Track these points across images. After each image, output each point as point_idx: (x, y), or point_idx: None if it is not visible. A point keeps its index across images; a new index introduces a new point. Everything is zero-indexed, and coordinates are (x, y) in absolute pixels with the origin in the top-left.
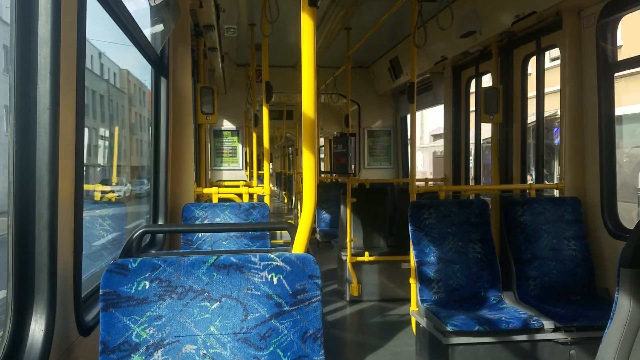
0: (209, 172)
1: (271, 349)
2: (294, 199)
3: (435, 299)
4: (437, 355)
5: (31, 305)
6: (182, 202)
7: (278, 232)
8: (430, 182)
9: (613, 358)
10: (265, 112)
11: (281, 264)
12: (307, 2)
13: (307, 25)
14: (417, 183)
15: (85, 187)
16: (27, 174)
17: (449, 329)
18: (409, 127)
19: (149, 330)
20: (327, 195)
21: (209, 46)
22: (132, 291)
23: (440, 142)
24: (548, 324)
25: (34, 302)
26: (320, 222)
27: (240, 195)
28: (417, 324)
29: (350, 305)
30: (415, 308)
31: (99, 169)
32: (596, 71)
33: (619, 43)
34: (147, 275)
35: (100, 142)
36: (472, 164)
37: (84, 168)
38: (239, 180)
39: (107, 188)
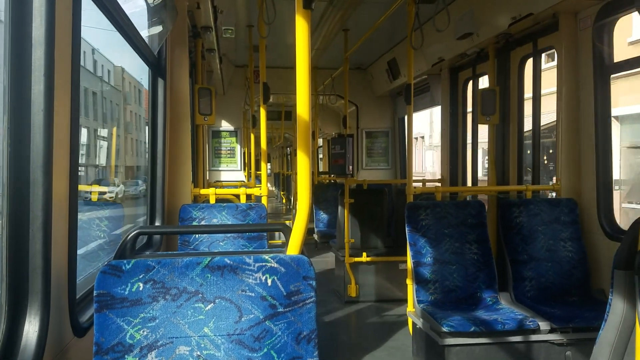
0: (207, 172)
1: (265, 350)
2: (292, 199)
3: (432, 299)
4: (433, 355)
5: (25, 307)
6: (179, 202)
7: (276, 232)
8: (427, 183)
9: (607, 359)
10: (262, 113)
11: (275, 265)
12: (302, 4)
13: (301, 27)
14: (414, 184)
15: None
16: (21, 176)
17: (445, 329)
18: (406, 128)
19: (143, 331)
20: (325, 196)
21: (206, 47)
22: (126, 292)
23: None
24: (544, 325)
25: (28, 303)
26: (318, 223)
27: (237, 196)
28: (414, 324)
29: (348, 305)
30: (412, 309)
31: (90, 169)
32: (592, 73)
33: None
34: (141, 276)
35: (91, 141)
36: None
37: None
38: (237, 181)
39: (98, 189)
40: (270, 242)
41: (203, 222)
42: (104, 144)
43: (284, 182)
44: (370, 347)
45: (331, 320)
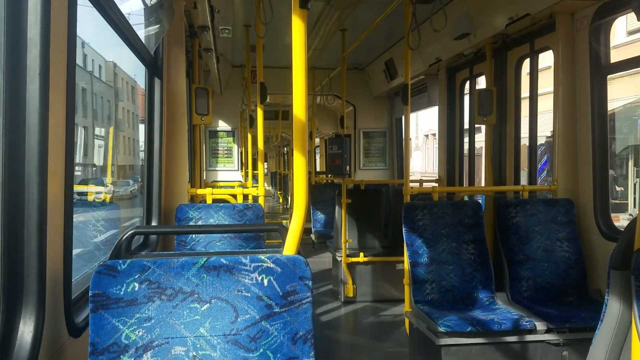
0: (204, 172)
1: (261, 350)
2: (289, 198)
3: (429, 299)
4: (430, 356)
5: (20, 307)
6: (176, 202)
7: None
8: (424, 183)
9: (604, 359)
10: (259, 113)
11: (271, 265)
12: (298, 4)
13: (298, 27)
14: (412, 184)
15: None
16: (16, 175)
17: (442, 329)
18: (404, 128)
19: (139, 331)
20: (323, 196)
21: (204, 47)
22: (122, 293)
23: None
24: (540, 325)
25: (23, 303)
26: (315, 223)
27: (235, 196)
28: (411, 324)
29: (345, 305)
30: (408, 309)
31: (78, 168)
32: (589, 73)
33: None
34: (136, 276)
35: (79, 139)
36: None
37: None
38: (234, 181)
39: (84, 189)
40: (267, 241)
41: (200, 222)
42: (94, 142)
43: (281, 181)
44: (367, 347)
45: (328, 320)
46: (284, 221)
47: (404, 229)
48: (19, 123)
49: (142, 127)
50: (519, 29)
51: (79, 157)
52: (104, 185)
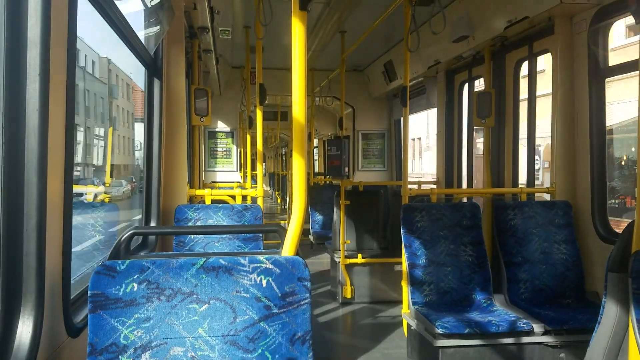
0: (203, 173)
1: (259, 351)
2: (287, 199)
3: (427, 301)
4: (427, 357)
5: (19, 307)
6: (174, 203)
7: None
8: (423, 185)
9: None
10: (259, 114)
11: (270, 266)
12: (298, 5)
13: (298, 29)
14: (410, 186)
15: None
16: (16, 176)
17: (440, 331)
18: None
19: (137, 332)
20: (321, 197)
21: (203, 48)
22: (120, 293)
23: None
24: (538, 327)
25: (22, 303)
26: (313, 224)
27: (233, 197)
28: (409, 326)
29: (343, 307)
30: (406, 310)
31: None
32: (587, 76)
33: None
34: (135, 277)
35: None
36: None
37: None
38: (232, 182)
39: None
40: (265, 242)
41: (198, 223)
42: (85, 141)
43: (279, 182)
44: (365, 348)
45: (326, 321)
46: (282, 222)
47: (402, 230)
48: (19, 123)
49: (137, 126)
50: (517, 31)
51: (76, 157)
52: (94, 185)
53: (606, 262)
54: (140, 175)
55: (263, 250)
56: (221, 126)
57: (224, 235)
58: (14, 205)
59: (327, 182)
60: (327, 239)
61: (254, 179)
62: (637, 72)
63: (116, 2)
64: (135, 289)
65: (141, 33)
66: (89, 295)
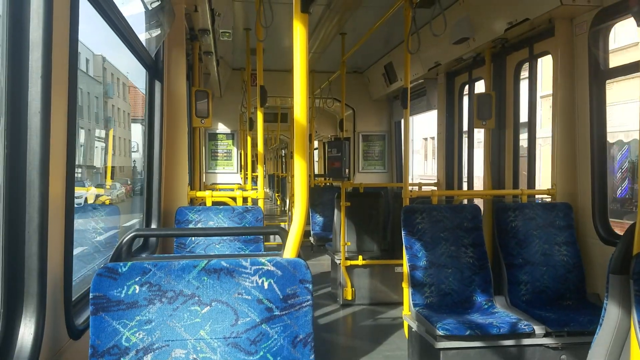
0: (204, 175)
1: (261, 353)
2: (287, 201)
3: (427, 303)
4: (428, 359)
5: (20, 309)
6: (175, 205)
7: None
8: (423, 187)
9: None
10: (259, 116)
11: (272, 268)
12: (300, 8)
13: (299, 31)
14: (411, 187)
15: None
16: (18, 177)
17: (441, 333)
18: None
19: (139, 334)
20: (322, 199)
21: (204, 50)
22: (122, 295)
23: None
24: (539, 329)
25: (24, 305)
26: (314, 226)
27: (234, 199)
28: (409, 327)
29: (343, 308)
30: (407, 312)
31: None
32: (588, 78)
33: None
34: (137, 279)
35: None
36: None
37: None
38: (233, 184)
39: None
40: (265, 244)
41: (199, 225)
42: (80, 141)
43: (279, 184)
44: (366, 350)
45: (327, 323)
46: (282, 224)
47: (403, 232)
48: (21, 125)
49: (134, 126)
50: (518, 33)
51: None
52: (85, 188)
53: (608, 264)
54: (137, 178)
55: (265, 253)
56: (222, 128)
57: (225, 237)
58: (15, 207)
59: (328, 183)
60: (327, 241)
61: (254, 180)
62: (638, 73)
63: (117, 5)
64: (137, 291)
65: (142, 35)
66: (90, 297)
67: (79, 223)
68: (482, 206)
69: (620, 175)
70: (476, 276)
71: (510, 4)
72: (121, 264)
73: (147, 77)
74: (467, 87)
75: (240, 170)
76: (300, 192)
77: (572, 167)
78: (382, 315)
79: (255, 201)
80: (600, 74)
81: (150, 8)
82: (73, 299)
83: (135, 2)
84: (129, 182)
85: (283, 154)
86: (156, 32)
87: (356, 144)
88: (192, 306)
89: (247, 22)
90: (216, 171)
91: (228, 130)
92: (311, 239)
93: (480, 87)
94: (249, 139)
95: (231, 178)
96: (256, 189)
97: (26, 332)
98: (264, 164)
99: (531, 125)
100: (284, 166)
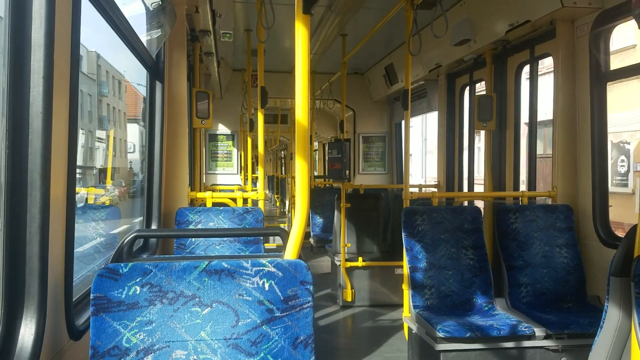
0: (204, 176)
1: (262, 355)
2: (287, 202)
3: (428, 304)
4: None
5: (21, 309)
6: (175, 206)
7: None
8: (423, 189)
9: None
10: (260, 117)
11: (273, 269)
12: (302, 9)
13: (301, 32)
14: (411, 189)
15: None
16: (19, 178)
17: (441, 335)
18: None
19: (139, 335)
20: (322, 200)
21: (205, 51)
22: (123, 296)
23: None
24: (539, 331)
25: (24, 306)
26: (314, 227)
27: (234, 200)
28: (409, 329)
29: (343, 310)
30: (407, 314)
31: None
32: (589, 80)
33: None
34: (137, 280)
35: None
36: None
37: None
38: (233, 185)
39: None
40: (266, 245)
41: (199, 226)
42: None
43: (279, 185)
44: (366, 352)
45: (327, 325)
46: (282, 225)
47: (403, 233)
48: (23, 126)
49: (130, 127)
50: (519, 35)
51: None
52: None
53: (609, 266)
54: (132, 180)
55: (265, 254)
56: (222, 129)
57: (225, 238)
58: (17, 208)
59: (328, 185)
60: (327, 242)
61: (254, 182)
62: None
63: (119, 6)
64: (137, 292)
65: (143, 36)
66: (91, 298)
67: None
68: (482, 208)
69: None
70: (476, 278)
71: (511, 5)
72: (122, 264)
73: (148, 78)
74: (467, 88)
75: (241, 172)
76: (300, 193)
77: (572, 169)
78: (382, 317)
79: (255, 202)
80: (602, 76)
81: (151, 9)
82: (74, 300)
83: (136, 3)
84: (123, 184)
85: (283, 156)
86: (157, 33)
87: (356, 145)
88: (192, 307)
89: (248, 23)
90: (216, 172)
91: (228, 131)
92: (311, 240)
93: (481, 88)
94: (249, 140)
95: (231, 179)
96: (256, 190)
97: (27, 332)
98: (264, 165)
99: (532, 126)
100: (283, 168)
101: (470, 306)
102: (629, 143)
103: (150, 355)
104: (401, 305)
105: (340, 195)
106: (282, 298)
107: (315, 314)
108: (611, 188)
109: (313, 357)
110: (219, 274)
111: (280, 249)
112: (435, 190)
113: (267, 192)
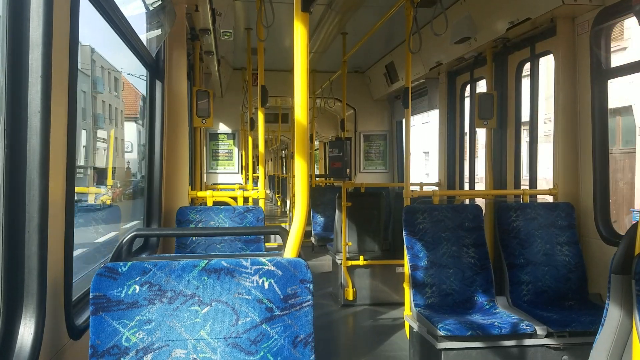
0: (205, 175)
1: (262, 353)
2: (288, 202)
3: (429, 303)
4: (429, 359)
5: (20, 309)
6: (176, 205)
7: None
8: (424, 187)
9: None
10: (260, 116)
11: (272, 268)
12: (300, 7)
13: (300, 30)
14: (412, 188)
15: None
16: (18, 177)
17: (442, 333)
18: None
19: (139, 334)
20: (323, 199)
21: (205, 50)
22: (122, 295)
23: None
24: (540, 329)
25: (24, 305)
26: (315, 226)
27: (235, 199)
28: (411, 328)
29: (344, 309)
30: (408, 312)
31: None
32: (590, 77)
33: None
34: (137, 279)
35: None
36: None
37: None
38: (234, 184)
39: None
40: (266, 244)
41: (200, 225)
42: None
43: (279, 184)
44: (367, 351)
45: (328, 324)
46: (283, 224)
47: (404, 232)
48: (21, 125)
49: (127, 125)
50: (519, 33)
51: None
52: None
53: (610, 264)
54: (129, 180)
55: (265, 252)
56: (223, 128)
57: (226, 237)
58: (16, 207)
59: (329, 183)
60: (328, 241)
61: (255, 181)
62: None
63: (118, 4)
64: (137, 291)
65: (143, 35)
66: (90, 297)
67: None
68: (483, 206)
69: None
70: (477, 276)
71: (511, 3)
72: (121, 263)
73: (148, 77)
74: (468, 86)
75: (241, 171)
76: (300, 192)
77: (574, 166)
78: (383, 316)
79: (256, 201)
80: (602, 73)
81: (151, 8)
82: (73, 299)
83: (136, 2)
84: (119, 185)
85: (283, 155)
86: (157, 32)
87: (357, 143)
88: (192, 306)
89: (248, 22)
90: (217, 171)
91: (229, 130)
92: (312, 239)
93: (481, 86)
94: (249, 139)
95: (232, 178)
96: (257, 189)
97: (26, 331)
98: (265, 164)
99: (533, 124)
100: (284, 167)
101: (471, 304)
102: None
103: (150, 354)
104: (402, 304)
105: (341, 193)
106: (281, 297)
107: (316, 312)
108: None
109: (313, 356)
110: (219, 272)
111: (281, 248)
112: (436, 188)
113: (268, 191)
